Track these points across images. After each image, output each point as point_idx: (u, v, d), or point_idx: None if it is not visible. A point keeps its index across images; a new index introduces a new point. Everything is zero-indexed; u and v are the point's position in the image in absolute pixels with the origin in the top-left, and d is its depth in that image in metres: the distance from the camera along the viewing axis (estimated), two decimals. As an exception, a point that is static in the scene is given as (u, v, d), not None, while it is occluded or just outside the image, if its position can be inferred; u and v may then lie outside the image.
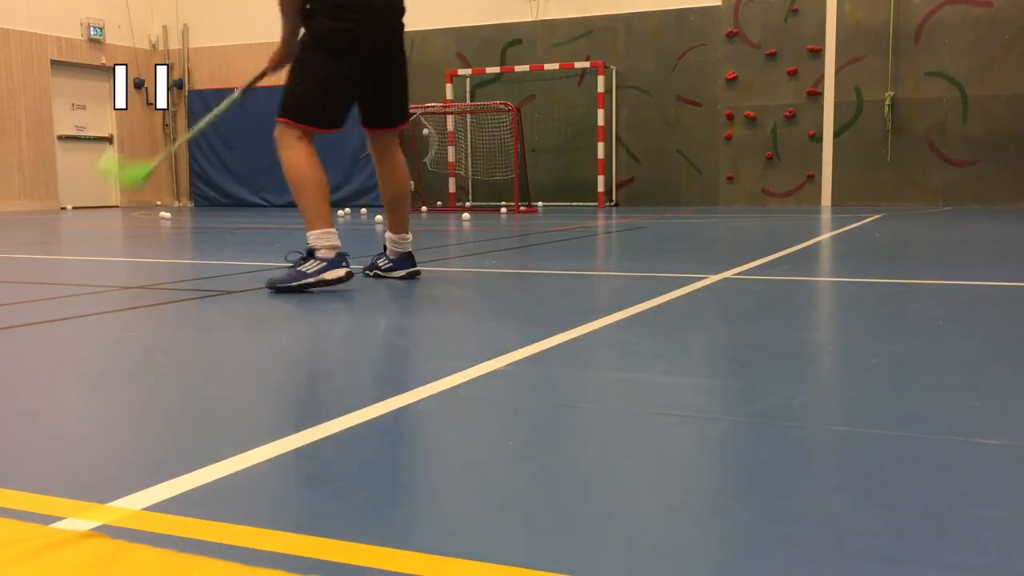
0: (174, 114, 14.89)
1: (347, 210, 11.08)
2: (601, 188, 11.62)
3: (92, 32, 13.82)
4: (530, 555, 1.02)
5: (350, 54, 3.33)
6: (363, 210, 11.11)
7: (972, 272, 3.91)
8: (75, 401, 1.83)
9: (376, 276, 3.69)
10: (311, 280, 3.20)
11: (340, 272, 3.22)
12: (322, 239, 3.25)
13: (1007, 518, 1.11)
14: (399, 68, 3.54)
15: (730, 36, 11.44)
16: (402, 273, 3.64)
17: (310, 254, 3.26)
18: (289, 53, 3.57)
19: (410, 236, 3.65)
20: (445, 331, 2.65)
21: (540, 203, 12.00)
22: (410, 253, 3.65)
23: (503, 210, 11.03)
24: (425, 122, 12.12)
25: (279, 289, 3.23)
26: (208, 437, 1.54)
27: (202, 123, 4.01)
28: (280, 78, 3.67)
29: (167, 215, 10.25)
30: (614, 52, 11.76)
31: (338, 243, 3.27)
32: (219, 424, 1.63)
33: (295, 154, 3.35)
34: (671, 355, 2.22)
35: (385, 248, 3.70)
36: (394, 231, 3.65)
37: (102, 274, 4.46)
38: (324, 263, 3.23)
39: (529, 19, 12.17)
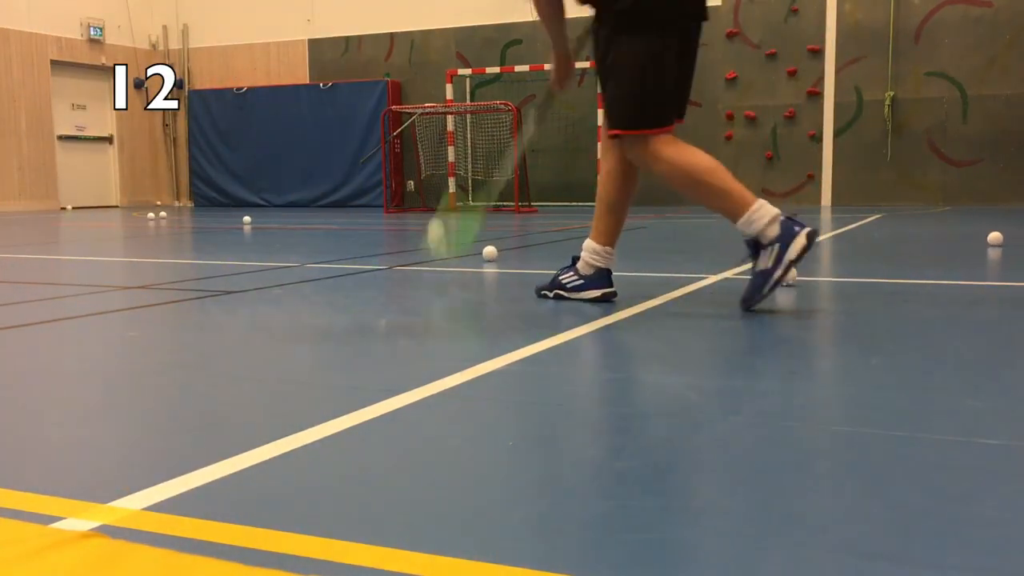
0: (174, 114, 14.89)
1: (163, 214, 10.52)
2: (601, 188, 11.61)
3: (92, 32, 13.82)
4: (530, 555, 1.02)
5: (664, 24, 2.75)
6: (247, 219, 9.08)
7: (972, 272, 3.91)
8: (75, 401, 1.83)
9: (558, 297, 3.00)
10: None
11: (597, 293, 2.90)
12: (754, 223, 2.67)
13: (1007, 518, 1.11)
14: (695, 42, 2.95)
15: (730, 36, 11.43)
16: (596, 293, 2.93)
17: (573, 263, 2.94)
18: (564, 56, 3.03)
19: (614, 252, 2.99)
20: (445, 331, 2.65)
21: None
22: (607, 270, 2.97)
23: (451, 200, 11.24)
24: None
25: (553, 293, 2.98)
26: (208, 437, 1.54)
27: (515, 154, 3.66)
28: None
29: (153, 215, 10.16)
30: (614, 52, 11.72)
31: (776, 211, 2.67)
32: (219, 424, 1.63)
33: (662, 163, 2.76)
34: (671, 355, 2.22)
35: (574, 260, 3.00)
36: (599, 240, 2.96)
37: (102, 274, 4.46)
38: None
39: (529, 19, 12.16)
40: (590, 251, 2.96)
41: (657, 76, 2.74)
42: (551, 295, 3.02)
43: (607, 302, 2.91)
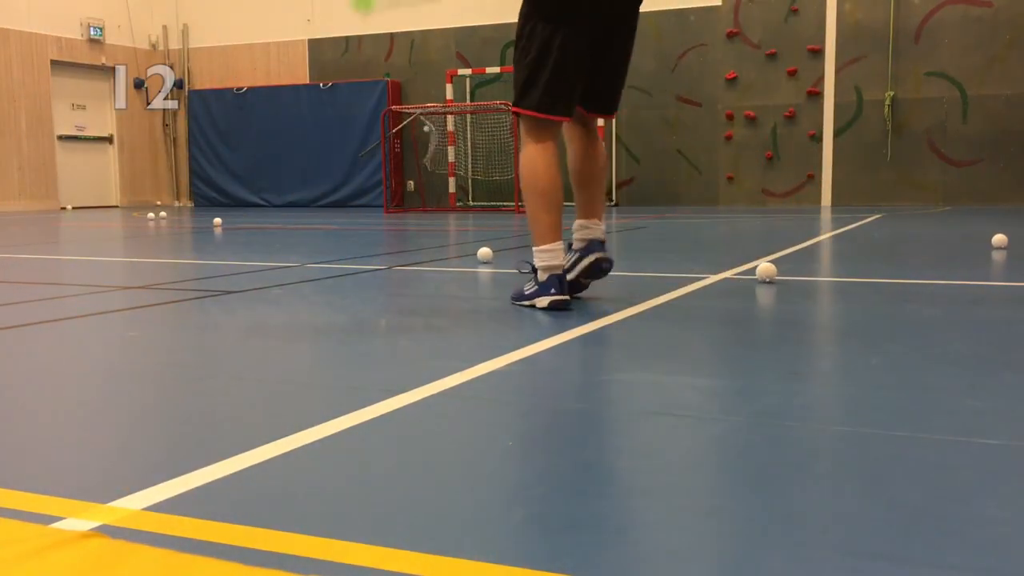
0: (174, 114, 14.90)
1: (163, 214, 10.48)
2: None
3: (92, 32, 13.82)
4: (530, 555, 1.02)
5: (573, 18, 2.80)
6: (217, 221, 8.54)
7: (972, 272, 3.91)
8: (75, 401, 1.83)
9: (578, 284, 3.12)
10: (525, 303, 2.88)
11: (544, 302, 2.80)
12: (540, 257, 2.84)
13: (1007, 518, 1.11)
14: (630, 34, 3.00)
15: (730, 36, 11.43)
16: (591, 258, 3.00)
17: (534, 271, 2.89)
18: None
19: (601, 224, 3.07)
20: (445, 331, 2.65)
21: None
22: (599, 240, 3.04)
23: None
24: (425, 119, 12.12)
25: (516, 304, 2.94)
26: (208, 437, 1.54)
27: None
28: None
29: (152, 215, 10.13)
30: (614, 52, 11.73)
31: (560, 263, 2.83)
32: (219, 424, 1.63)
33: (525, 153, 2.89)
34: (671, 355, 2.22)
35: (570, 246, 3.08)
36: (585, 216, 3.06)
37: (102, 274, 4.46)
38: (536, 287, 2.85)
39: (529, 19, 12.16)
40: (577, 228, 3.08)
41: (555, 65, 2.80)
42: (580, 292, 3.16)
43: (603, 270, 3.04)
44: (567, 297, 2.84)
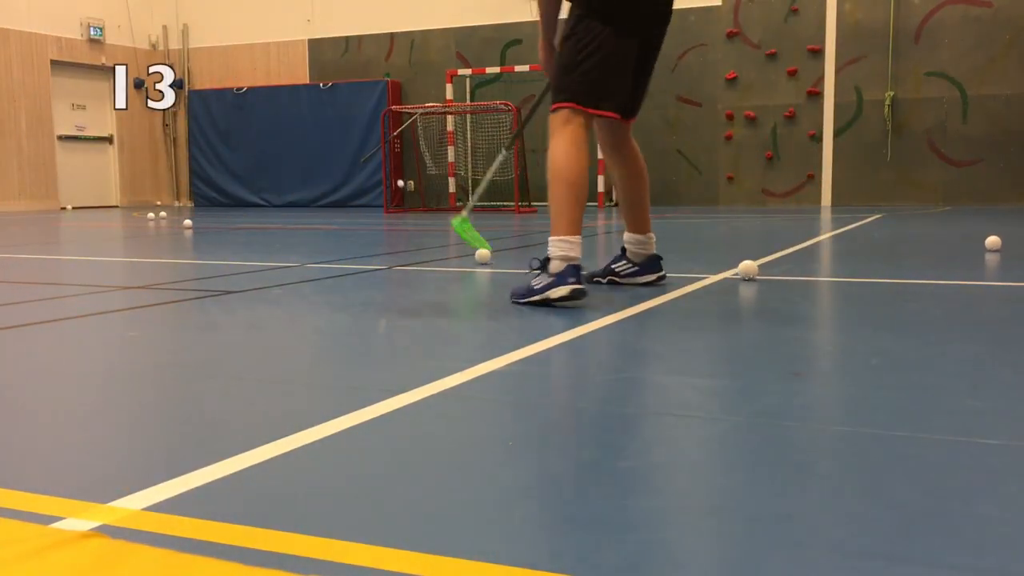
0: (174, 114, 14.90)
1: (163, 214, 10.44)
2: (601, 188, 11.61)
3: (92, 32, 13.82)
4: (530, 555, 1.02)
5: (627, 18, 2.91)
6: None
7: (972, 272, 3.91)
8: (75, 401, 1.83)
9: (612, 283, 3.32)
10: (536, 298, 2.82)
11: (564, 290, 2.76)
12: (558, 247, 2.83)
13: (1007, 518, 1.11)
14: (660, 42, 3.11)
15: (730, 36, 11.43)
16: (651, 278, 3.28)
17: (545, 264, 2.88)
18: (551, 45, 3.14)
19: (654, 236, 3.29)
20: (445, 331, 2.65)
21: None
22: (656, 255, 3.29)
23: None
24: (426, 152, 12.21)
25: (518, 302, 2.90)
26: (208, 437, 1.54)
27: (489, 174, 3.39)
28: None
29: (152, 215, 10.07)
30: (614, 52, 11.72)
31: (576, 256, 2.84)
32: (219, 424, 1.63)
33: (558, 144, 2.89)
34: (671, 355, 2.22)
35: (624, 251, 3.32)
36: (636, 231, 3.27)
37: (102, 274, 4.46)
38: (551, 279, 2.81)
39: (529, 19, 12.16)
40: (633, 242, 3.30)
41: (609, 62, 2.89)
42: (604, 281, 3.36)
43: (659, 285, 3.29)
44: (584, 287, 2.84)
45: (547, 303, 2.80)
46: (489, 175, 3.41)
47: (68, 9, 13.54)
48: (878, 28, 10.84)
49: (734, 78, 11.48)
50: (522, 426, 1.60)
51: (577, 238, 2.85)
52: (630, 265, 3.31)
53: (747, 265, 3.41)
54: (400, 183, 12.26)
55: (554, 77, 3.00)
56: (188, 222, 8.40)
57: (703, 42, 11.60)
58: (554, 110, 2.94)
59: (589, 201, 11.76)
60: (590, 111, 2.91)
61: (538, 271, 2.90)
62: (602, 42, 2.86)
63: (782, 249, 4.92)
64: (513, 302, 2.91)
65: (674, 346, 2.33)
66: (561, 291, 2.76)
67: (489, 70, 12.28)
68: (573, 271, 2.79)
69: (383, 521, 1.13)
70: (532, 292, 2.85)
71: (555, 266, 2.81)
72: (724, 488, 1.27)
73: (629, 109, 3.14)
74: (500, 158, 3.32)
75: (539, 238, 6.40)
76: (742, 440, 1.47)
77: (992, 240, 4.58)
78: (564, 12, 3.07)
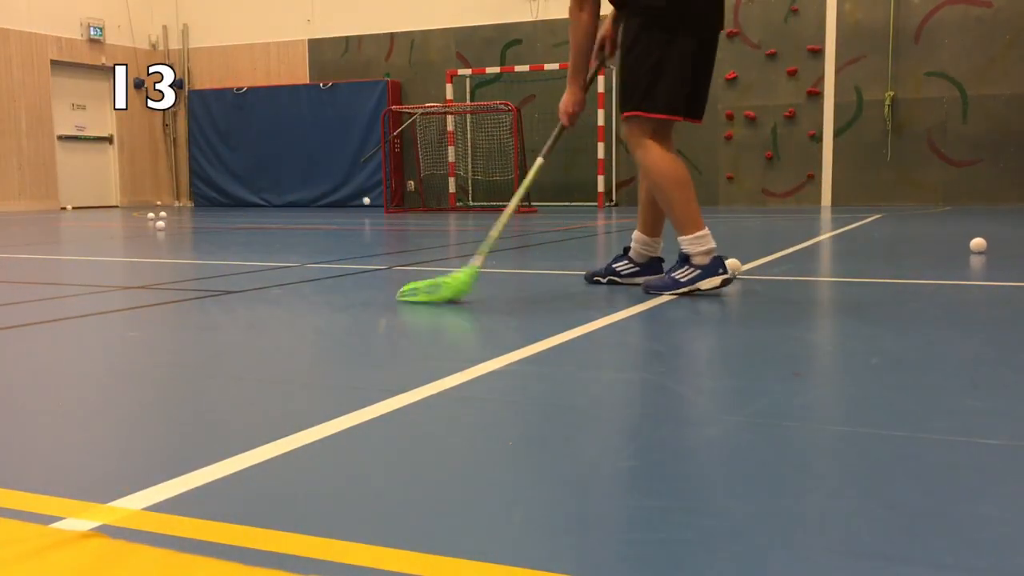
0: (174, 114, 14.89)
1: (163, 214, 10.23)
2: (601, 188, 11.61)
3: (92, 32, 13.82)
4: (530, 555, 1.02)
5: (689, 26, 3.03)
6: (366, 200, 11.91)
7: (972, 272, 3.91)
8: (75, 401, 1.83)
9: (611, 283, 3.39)
10: (684, 289, 3.01)
11: (716, 281, 3.00)
12: (696, 244, 3.01)
13: (1007, 518, 1.11)
14: (716, 44, 3.20)
15: (730, 36, 11.43)
16: (715, 282, 3.23)
17: (684, 260, 3.03)
18: (582, 91, 3.23)
19: (661, 243, 3.38)
20: (445, 331, 2.66)
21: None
22: (659, 258, 3.38)
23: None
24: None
25: (659, 294, 3.04)
26: (208, 437, 1.54)
27: (504, 217, 3.10)
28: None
29: (152, 215, 9.83)
30: (614, 52, 11.72)
31: (713, 245, 3.02)
32: (219, 424, 1.63)
33: (650, 154, 3.06)
34: (671, 355, 2.22)
35: (626, 250, 3.40)
36: (647, 232, 3.36)
37: (102, 274, 4.46)
38: (699, 271, 3.00)
39: (529, 19, 12.17)
40: (640, 242, 3.36)
41: (672, 68, 3.01)
42: (604, 280, 3.41)
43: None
44: (731, 276, 3.06)
45: (696, 292, 3.00)
46: (515, 202, 3.21)
47: (68, 9, 13.53)
48: (878, 28, 10.84)
49: (734, 78, 11.47)
50: (522, 426, 1.60)
51: (707, 230, 3.04)
52: (631, 265, 3.37)
53: (731, 263, 3.42)
54: (411, 185, 12.38)
55: (625, 86, 3.11)
56: (161, 223, 7.98)
57: (703, 42, 11.59)
58: (626, 118, 3.10)
59: (589, 201, 11.84)
60: (663, 117, 3.04)
61: (676, 265, 3.06)
62: (668, 51, 3.00)
63: (782, 249, 4.92)
64: (651, 295, 3.06)
65: (674, 346, 2.33)
66: (713, 281, 3.00)
67: (489, 70, 12.28)
68: (720, 263, 3.02)
69: (383, 521, 1.13)
70: (678, 284, 3.03)
71: (700, 259, 3.01)
72: (724, 488, 1.27)
73: (695, 110, 3.21)
74: (537, 166, 3.30)
75: (540, 238, 6.40)
76: (742, 440, 1.47)
77: (977, 242, 4.42)
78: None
